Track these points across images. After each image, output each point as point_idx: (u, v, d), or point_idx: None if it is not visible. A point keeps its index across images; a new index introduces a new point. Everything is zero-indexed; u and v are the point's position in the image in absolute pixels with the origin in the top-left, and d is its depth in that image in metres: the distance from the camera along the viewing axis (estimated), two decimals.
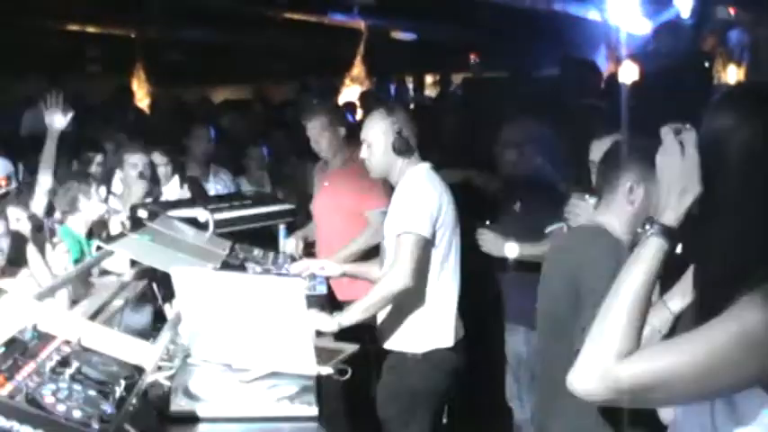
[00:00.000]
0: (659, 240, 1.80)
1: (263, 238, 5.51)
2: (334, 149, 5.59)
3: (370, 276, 4.56)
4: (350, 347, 3.71)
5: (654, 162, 1.85)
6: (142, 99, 11.67)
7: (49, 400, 2.20)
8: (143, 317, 3.90)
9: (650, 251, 1.80)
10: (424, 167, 4.29)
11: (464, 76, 11.02)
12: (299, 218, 5.90)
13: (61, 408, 2.18)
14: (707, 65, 6.33)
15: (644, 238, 1.82)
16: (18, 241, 4.38)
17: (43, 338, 2.55)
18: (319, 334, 3.79)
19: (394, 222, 4.17)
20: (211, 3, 10.24)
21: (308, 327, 3.27)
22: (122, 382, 2.48)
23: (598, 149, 3.70)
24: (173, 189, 6.17)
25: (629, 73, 6.41)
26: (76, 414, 2.19)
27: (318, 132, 5.57)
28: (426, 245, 4.10)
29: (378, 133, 4.29)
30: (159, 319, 3.90)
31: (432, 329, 4.20)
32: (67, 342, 2.59)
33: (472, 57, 8.76)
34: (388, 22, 12.81)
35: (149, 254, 4.15)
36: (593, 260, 3.01)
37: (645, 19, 8.96)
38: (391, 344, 4.26)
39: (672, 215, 1.81)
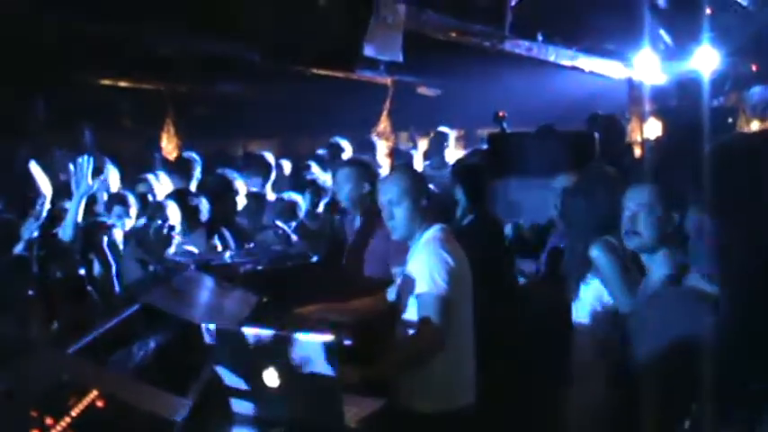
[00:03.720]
0: None
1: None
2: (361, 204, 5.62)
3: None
4: (376, 402, 3.72)
5: None
6: (171, 152, 11.82)
7: None
8: None
9: None
10: (443, 227, 4.33)
11: (489, 131, 11.11)
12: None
13: None
14: (730, 120, 6.38)
15: None
16: None
17: (77, 392, 2.60)
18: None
19: (416, 282, 4.18)
20: (240, 58, 10.39)
21: (338, 383, 3.29)
22: None
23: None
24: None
25: (653, 129, 6.48)
26: None
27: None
28: (452, 304, 4.12)
29: (402, 194, 4.32)
30: None
31: (448, 388, 4.21)
32: (101, 396, 2.64)
33: (500, 113, 8.83)
34: (413, 78, 12.95)
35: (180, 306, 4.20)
36: None
37: (666, 75, 9.04)
38: (408, 401, 4.25)
39: None
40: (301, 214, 7.37)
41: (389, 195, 4.34)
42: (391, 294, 4.58)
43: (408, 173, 4.49)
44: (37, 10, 8.38)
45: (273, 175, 8.31)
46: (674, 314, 3.11)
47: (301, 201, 7.43)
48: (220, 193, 6.85)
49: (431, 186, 5.80)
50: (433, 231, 4.29)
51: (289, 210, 7.28)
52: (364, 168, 5.83)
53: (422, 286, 4.12)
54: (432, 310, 4.07)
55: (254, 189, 7.65)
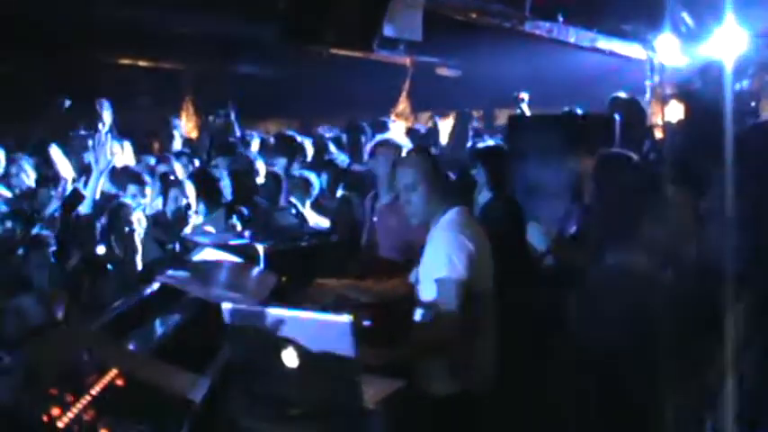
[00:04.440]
0: None
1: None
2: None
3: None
4: (395, 383, 3.72)
5: None
6: (191, 131, 11.85)
7: None
8: None
9: None
10: (462, 209, 4.30)
11: (509, 112, 11.07)
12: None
13: None
14: (753, 104, 6.33)
15: None
16: None
17: (98, 370, 2.61)
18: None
19: (434, 265, 4.17)
20: (260, 38, 10.37)
21: (358, 364, 3.29)
22: (174, 417, 2.52)
23: None
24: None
25: (675, 112, 6.42)
26: None
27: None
28: (468, 288, 4.10)
29: (419, 177, 4.29)
30: None
31: (468, 371, 4.21)
32: (121, 375, 2.64)
33: (521, 95, 8.80)
34: (433, 59, 12.92)
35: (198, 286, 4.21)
36: None
37: (688, 57, 8.97)
38: (426, 384, 4.24)
39: None
40: (314, 191, 7.33)
41: (406, 180, 4.30)
42: (413, 277, 4.57)
43: (424, 156, 4.44)
44: None
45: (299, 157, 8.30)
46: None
47: (314, 178, 7.39)
48: (241, 173, 6.86)
49: (451, 168, 5.83)
50: (452, 214, 4.25)
51: (302, 186, 7.24)
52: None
53: (440, 270, 4.10)
54: (450, 294, 4.05)
55: (277, 169, 7.63)
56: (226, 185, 6.42)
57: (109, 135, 5.46)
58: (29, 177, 7.04)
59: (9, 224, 5.25)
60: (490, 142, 6.88)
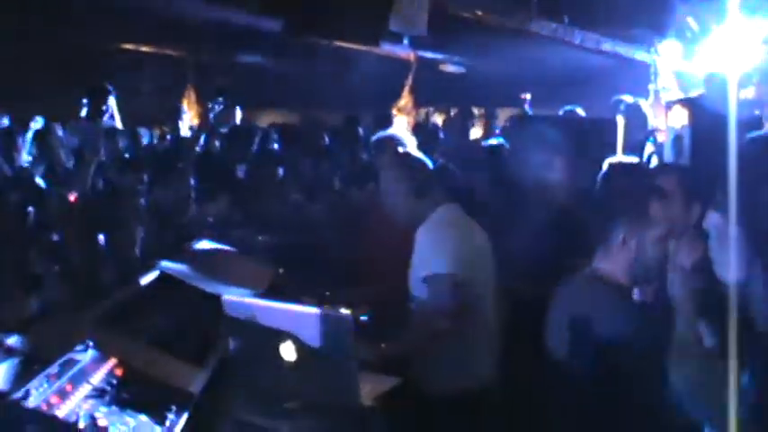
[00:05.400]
0: None
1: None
2: None
3: None
4: (391, 380, 3.72)
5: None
6: (193, 119, 11.83)
7: (102, 423, 2.26)
8: None
9: None
10: (450, 207, 4.30)
11: (510, 112, 11.07)
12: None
13: None
14: (758, 112, 6.34)
15: None
16: None
17: (97, 359, 2.61)
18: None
19: (424, 263, 4.17)
20: (264, 29, 10.36)
21: (355, 360, 3.29)
22: (173, 408, 2.53)
23: None
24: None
25: (678, 117, 6.42)
26: None
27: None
28: (461, 283, 4.10)
29: (391, 181, 4.33)
30: None
31: (463, 369, 4.21)
32: (120, 364, 2.65)
33: (523, 95, 8.83)
34: (437, 55, 12.90)
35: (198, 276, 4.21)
36: None
37: (692, 63, 8.98)
38: (422, 381, 4.25)
39: None
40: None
41: (386, 180, 4.37)
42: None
43: (403, 158, 4.48)
44: None
45: None
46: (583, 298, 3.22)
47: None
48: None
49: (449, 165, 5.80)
50: (442, 211, 4.26)
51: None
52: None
53: (430, 267, 4.11)
54: (440, 291, 4.06)
55: None
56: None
57: (112, 122, 5.41)
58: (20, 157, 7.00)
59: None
60: (493, 141, 6.89)
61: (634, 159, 5.92)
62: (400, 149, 5.07)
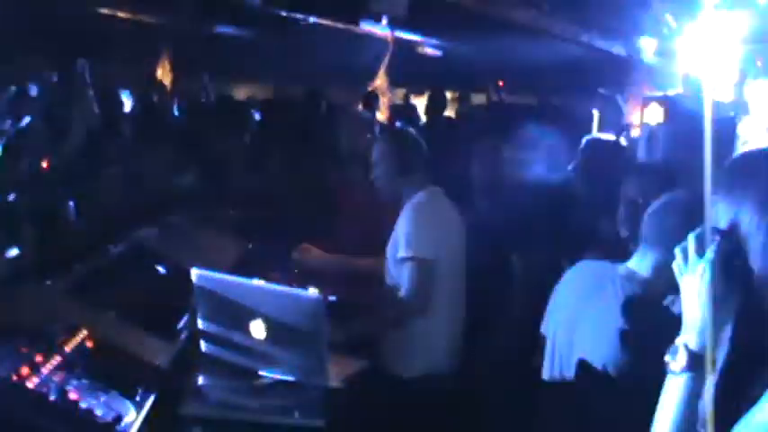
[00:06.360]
0: (689, 376, 1.67)
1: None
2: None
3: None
4: (359, 363, 3.74)
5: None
6: (167, 88, 11.73)
7: (73, 396, 2.25)
8: None
9: (682, 392, 1.68)
10: (433, 191, 4.32)
11: (487, 97, 11.07)
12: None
13: (84, 405, 2.23)
14: (733, 113, 6.40)
15: (670, 375, 1.70)
16: None
17: (68, 331, 2.59)
18: None
19: (398, 244, 4.19)
20: (242, 1, 10.29)
21: (325, 340, 3.30)
22: (142, 381, 2.52)
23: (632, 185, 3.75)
24: None
25: (653, 114, 6.48)
26: (99, 412, 2.23)
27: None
28: (433, 268, 4.13)
29: (381, 155, 4.36)
30: None
31: (431, 353, 4.24)
32: (91, 336, 2.63)
33: (499, 82, 8.84)
34: (415, 36, 12.88)
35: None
36: None
37: (668, 60, 9.04)
38: (390, 364, 4.26)
39: (697, 339, 1.68)
40: None
41: (374, 154, 4.41)
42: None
43: (393, 134, 4.52)
44: None
45: None
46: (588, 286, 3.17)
47: None
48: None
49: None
50: (422, 194, 4.28)
51: None
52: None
53: (403, 249, 4.12)
54: (412, 273, 4.08)
55: None
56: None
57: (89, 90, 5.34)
58: None
59: None
60: None
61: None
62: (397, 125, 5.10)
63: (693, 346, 1.67)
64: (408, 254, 4.09)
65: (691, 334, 1.68)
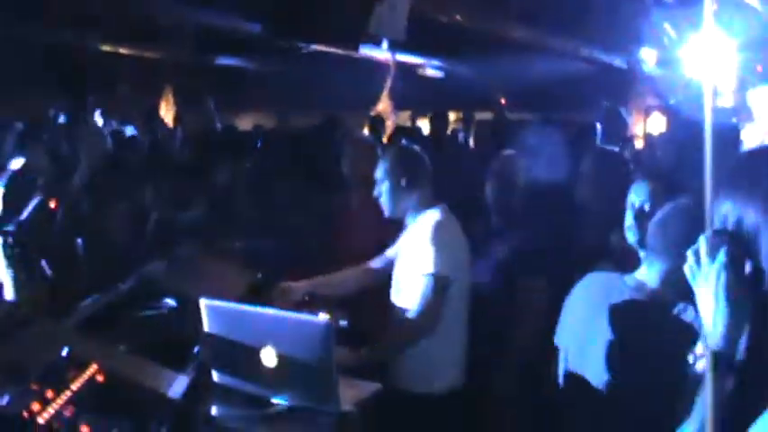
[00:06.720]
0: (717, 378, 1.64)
1: None
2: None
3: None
4: (372, 386, 3.72)
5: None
6: (170, 122, 11.80)
7: (84, 430, 2.25)
8: None
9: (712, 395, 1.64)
10: (442, 209, 4.32)
11: (490, 114, 11.08)
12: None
13: None
14: (735, 120, 6.40)
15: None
16: None
17: (78, 366, 2.59)
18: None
19: (412, 264, 4.19)
20: (242, 32, 10.35)
21: (334, 365, 3.30)
22: (154, 414, 2.52)
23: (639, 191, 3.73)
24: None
25: (656, 124, 6.47)
26: None
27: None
28: (448, 287, 4.13)
29: (385, 171, 4.37)
30: None
31: (446, 369, 4.23)
32: (101, 371, 2.63)
33: (501, 100, 8.85)
34: (416, 59, 12.93)
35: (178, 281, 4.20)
36: None
37: (670, 70, 9.03)
38: (403, 383, 4.26)
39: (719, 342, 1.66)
40: None
41: (378, 173, 4.41)
42: (376, 264, 4.63)
43: (397, 152, 4.51)
44: None
45: None
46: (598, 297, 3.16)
47: None
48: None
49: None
50: (433, 213, 4.29)
51: None
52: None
53: (418, 269, 4.13)
54: (427, 293, 4.08)
55: None
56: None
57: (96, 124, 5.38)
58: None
59: None
60: None
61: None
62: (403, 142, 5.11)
63: (716, 347, 1.65)
64: (426, 273, 4.10)
65: (713, 337, 1.66)
